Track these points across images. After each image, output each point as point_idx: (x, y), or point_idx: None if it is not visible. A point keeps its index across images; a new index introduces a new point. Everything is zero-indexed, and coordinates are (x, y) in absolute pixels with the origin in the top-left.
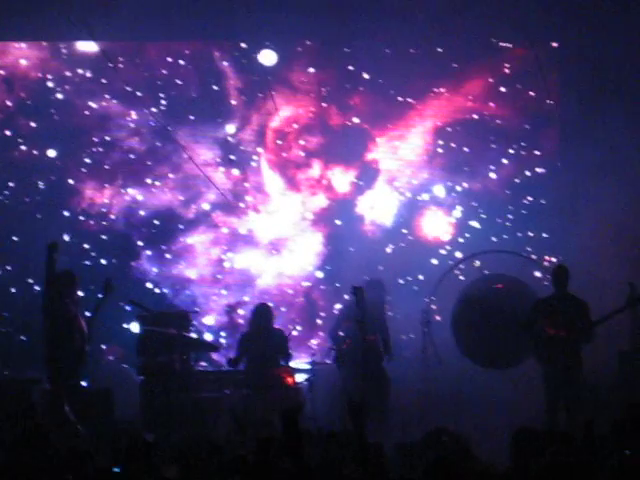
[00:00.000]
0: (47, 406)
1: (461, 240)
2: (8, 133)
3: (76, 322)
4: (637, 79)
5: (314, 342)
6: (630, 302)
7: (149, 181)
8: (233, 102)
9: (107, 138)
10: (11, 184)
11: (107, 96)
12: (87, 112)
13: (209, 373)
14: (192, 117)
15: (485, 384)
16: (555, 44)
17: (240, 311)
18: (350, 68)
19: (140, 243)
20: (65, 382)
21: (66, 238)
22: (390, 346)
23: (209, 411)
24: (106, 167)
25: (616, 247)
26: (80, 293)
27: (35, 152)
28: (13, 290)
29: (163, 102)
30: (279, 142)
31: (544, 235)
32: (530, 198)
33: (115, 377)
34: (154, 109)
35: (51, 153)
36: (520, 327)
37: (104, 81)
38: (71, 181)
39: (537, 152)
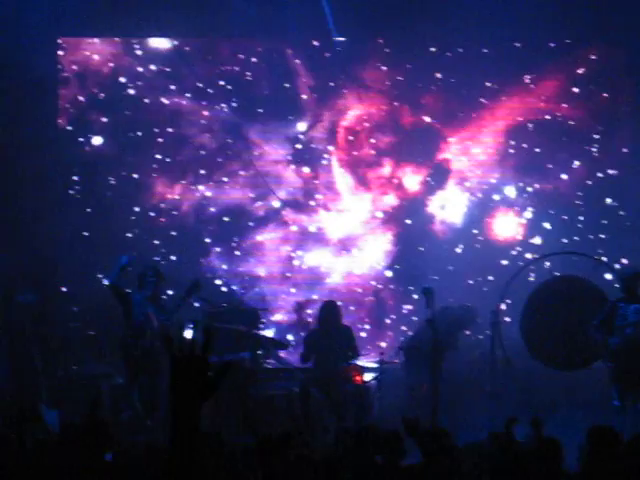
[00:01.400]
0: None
1: (532, 241)
2: (80, 128)
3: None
4: None
5: (383, 343)
6: None
7: (222, 178)
8: (304, 99)
9: (178, 134)
10: (82, 179)
11: (179, 92)
12: (158, 108)
13: (278, 370)
14: (263, 114)
15: (555, 386)
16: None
17: (309, 309)
18: (425, 62)
19: (209, 240)
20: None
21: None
22: None
23: (278, 408)
24: (177, 163)
25: None
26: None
27: (105, 147)
28: (82, 285)
29: (235, 99)
30: (350, 139)
31: (615, 237)
32: (604, 200)
33: None
34: (226, 106)
35: (96, 141)
36: (593, 328)
37: (176, 77)
38: (138, 176)
39: (609, 154)
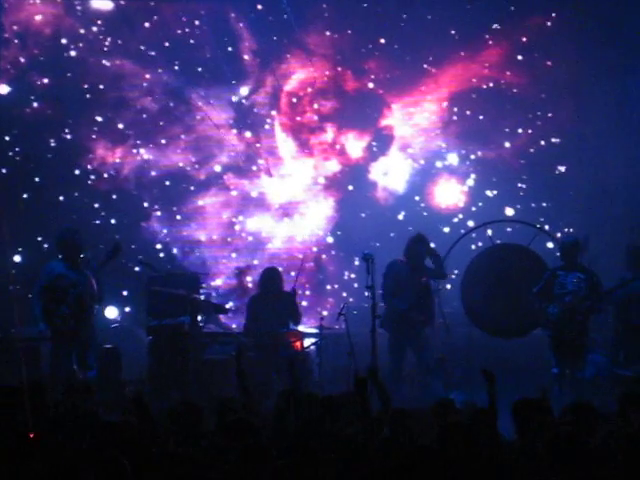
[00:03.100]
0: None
1: (474, 209)
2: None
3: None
4: None
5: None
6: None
7: (163, 141)
8: (247, 63)
9: (120, 97)
10: (21, 141)
11: (121, 54)
12: (100, 70)
13: (217, 334)
14: (205, 78)
15: (493, 352)
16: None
17: (249, 275)
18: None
19: (150, 204)
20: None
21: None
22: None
23: (216, 372)
24: (118, 127)
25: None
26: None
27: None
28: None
29: (177, 62)
30: (293, 102)
31: (557, 206)
32: (547, 168)
33: (123, 337)
34: (168, 69)
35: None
36: (532, 296)
37: (118, 39)
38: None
39: (553, 122)
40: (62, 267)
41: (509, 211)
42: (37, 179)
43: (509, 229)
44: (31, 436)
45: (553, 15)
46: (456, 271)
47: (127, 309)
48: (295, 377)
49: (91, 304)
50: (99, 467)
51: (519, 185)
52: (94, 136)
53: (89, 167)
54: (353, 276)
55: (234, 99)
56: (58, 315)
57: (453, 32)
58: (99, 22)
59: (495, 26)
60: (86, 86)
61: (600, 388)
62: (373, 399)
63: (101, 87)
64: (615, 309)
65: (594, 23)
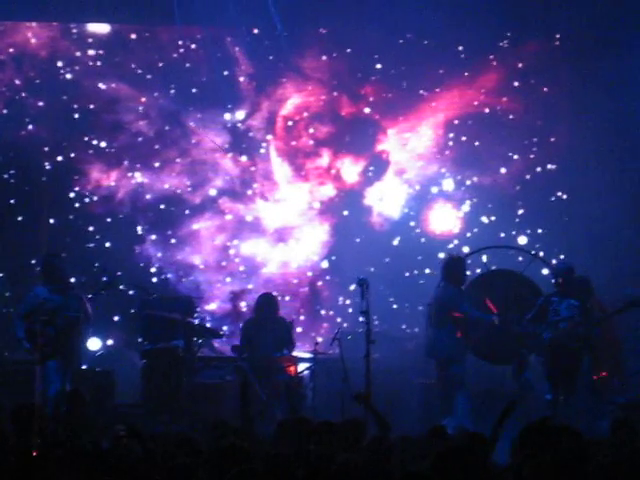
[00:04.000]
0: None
1: (469, 235)
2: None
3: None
4: None
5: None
6: (629, 304)
7: (159, 165)
8: (243, 87)
9: (115, 120)
10: (16, 163)
11: (116, 78)
12: (96, 93)
13: (212, 359)
14: (201, 102)
15: (490, 379)
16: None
17: (244, 299)
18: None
19: (145, 227)
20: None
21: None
22: None
23: (209, 396)
24: (113, 150)
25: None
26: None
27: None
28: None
29: (173, 86)
30: (289, 127)
31: (552, 233)
32: (542, 195)
33: (118, 359)
34: (164, 93)
35: None
36: (526, 323)
37: (114, 63)
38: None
39: (548, 149)
40: (46, 292)
41: (521, 239)
42: (31, 202)
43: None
44: (34, 454)
45: (549, 41)
46: None
47: (109, 342)
48: (292, 403)
49: (77, 327)
50: None
51: (514, 211)
52: (89, 159)
53: (84, 190)
54: (348, 302)
55: (229, 122)
56: (44, 336)
57: (449, 58)
58: (95, 45)
59: (491, 52)
60: (81, 109)
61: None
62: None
63: (96, 110)
64: None
65: (591, 47)
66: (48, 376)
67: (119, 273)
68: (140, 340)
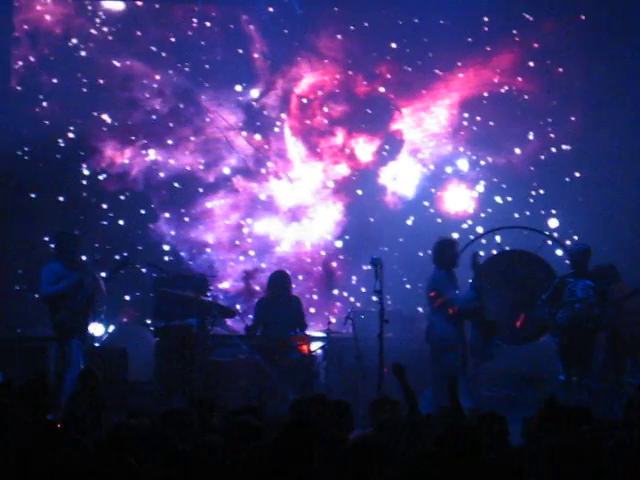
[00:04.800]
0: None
1: (483, 215)
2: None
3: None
4: None
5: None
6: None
7: (173, 143)
8: (258, 66)
9: (130, 97)
10: (30, 140)
11: (131, 55)
12: (110, 70)
13: (225, 337)
14: (215, 80)
15: (500, 358)
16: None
17: (257, 278)
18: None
19: (159, 205)
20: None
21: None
22: None
23: (222, 375)
24: (127, 127)
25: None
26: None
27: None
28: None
29: (187, 64)
30: (303, 105)
31: (567, 213)
32: (557, 175)
33: (131, 337)
34: (178, 70)
35: None
36: (541, 303)
37: (128, 40)
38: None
39: (563, 129)
40: (61, 268)
41: (552, 221)
42: (45, 179)
43: (519, 235)
44: (58, 426)
45: (566, 21)
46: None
47: (111, 328)
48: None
49: (92, 304)
50: (107, 466)
51: (529, 192)
52: (103, 136)
53: (97, 168)
54: (361, 281)
55: (243, 100)
56: (67, 308)
57: (465, 37)
58: (110, 22)
59: (507, 32)
60: (95, 86)
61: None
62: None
63: (110, 87)
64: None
65: (606, 29)
66: (72, 355)
67: (125, 254)
68: (152, 318)
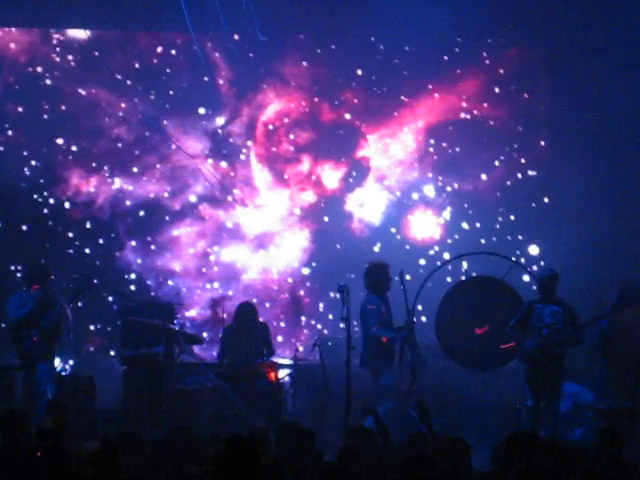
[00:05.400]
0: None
1: (450, 241)
2: None
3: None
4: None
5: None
6: (614, 309)
7: (139, 171)
8: (223, 93)
9: (95, 125)
10: None
11: (96, 83)
12: (75, 99)
13: (192, 365)
14: (181, 107)
15: (468, 385)
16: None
17: (224, 306)
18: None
19: (125, 233)
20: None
21: None
22: None
23: (189, 403)
24: (93, 155)
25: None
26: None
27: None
28: None
29: (153, 91)
30: (269, 132)
31: (533, 239)
32: (523, 201)
33: (98, 366)
34: (143, 98)
35: None
36: (509, 329)
37: (93, 68)
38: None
39: (529, 155)
40: (28, 297)
41: (532, 248)
42: (11, 208)
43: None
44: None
45: (529, 47)
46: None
47: (71, 362)
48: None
49: (58, 333)
50: None
51: (496, 218)
52: (69, 165)
53: (63, 196)
54: (328, 308)
55: (209, 128)
56: (31, 336)
57: (430, 64)
58: (74, 51)
59: (472, 58)
60: (60, 114)
61: (581, 419)
62: None
63: (76, 115)
64: (599, 341)
65: (571, 53)
66: (40, 382)
67: (95, 281)
68: (119, 346)
